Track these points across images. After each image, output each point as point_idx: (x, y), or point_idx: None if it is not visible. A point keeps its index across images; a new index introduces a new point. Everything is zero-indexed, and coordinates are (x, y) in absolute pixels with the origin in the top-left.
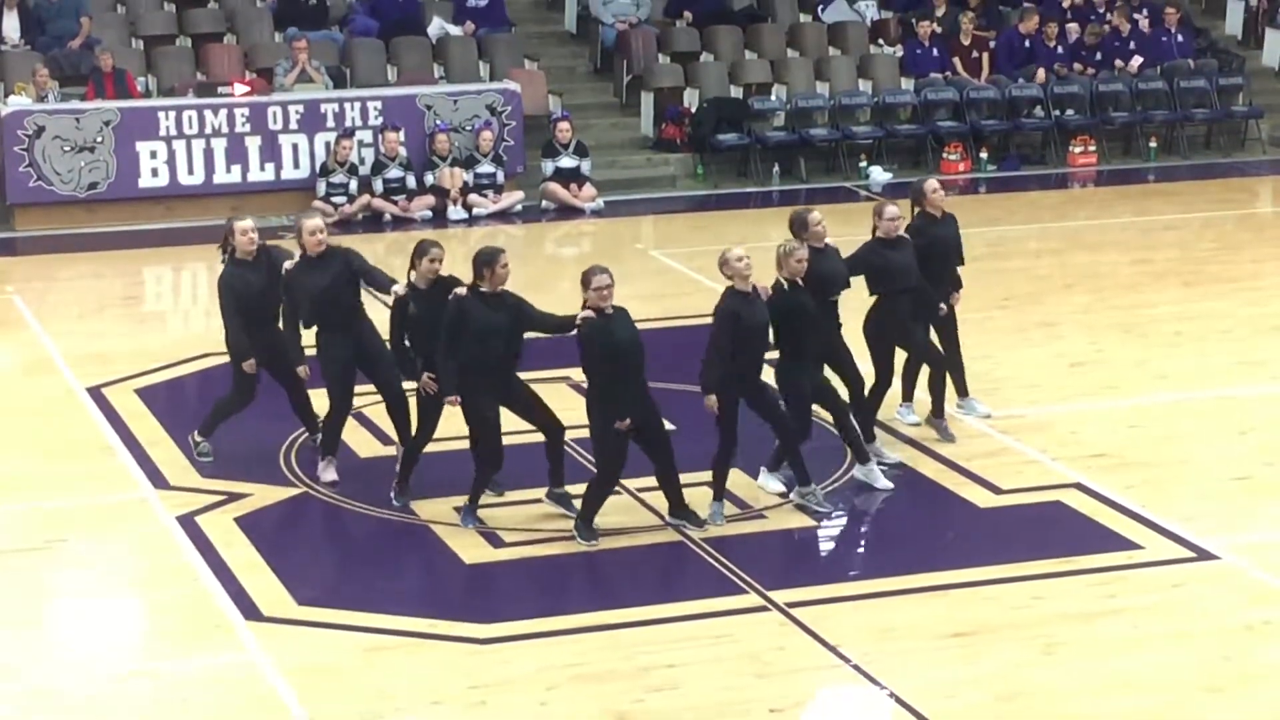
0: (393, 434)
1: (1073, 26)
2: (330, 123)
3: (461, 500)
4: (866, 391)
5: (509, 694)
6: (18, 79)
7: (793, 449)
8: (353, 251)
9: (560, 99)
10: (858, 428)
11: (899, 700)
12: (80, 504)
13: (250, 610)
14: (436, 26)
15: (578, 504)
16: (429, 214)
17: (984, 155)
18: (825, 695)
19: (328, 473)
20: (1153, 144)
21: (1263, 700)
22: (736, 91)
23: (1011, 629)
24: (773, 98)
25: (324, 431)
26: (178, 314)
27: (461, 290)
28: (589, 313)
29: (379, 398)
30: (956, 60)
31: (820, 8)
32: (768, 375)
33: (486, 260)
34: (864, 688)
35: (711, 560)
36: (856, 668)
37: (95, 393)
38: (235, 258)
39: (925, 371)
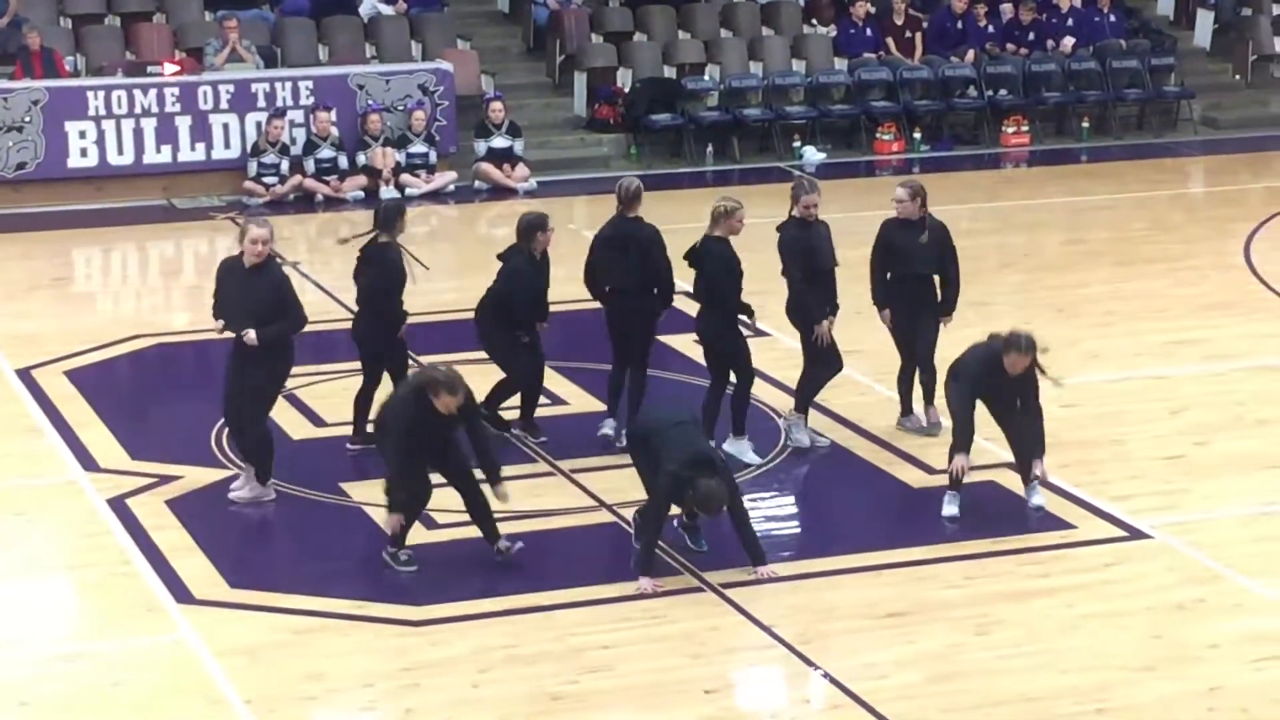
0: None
1: (1006, 6)
2: (261, 102)
3: None
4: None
5: (442, 676)
6: None
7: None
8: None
9: (493, 79)
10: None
11: (833, 680)
12: (9, 486)
13: (182, 593)
14: (368, 6)
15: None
16: (361, 194)
17: (917, 135)
18: (760, 676)
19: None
20: (1085, 124)
21: (1195, 678)
22: (670, 71)
23: (945, 609)
24: (706, 78)
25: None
26: (108, 295)
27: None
28: None
29: (311, 379)
30: (890, 40)
31: None
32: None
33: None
34: (798, 668)
35: None
36: (790, 648)
37: (24, 374)
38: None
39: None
